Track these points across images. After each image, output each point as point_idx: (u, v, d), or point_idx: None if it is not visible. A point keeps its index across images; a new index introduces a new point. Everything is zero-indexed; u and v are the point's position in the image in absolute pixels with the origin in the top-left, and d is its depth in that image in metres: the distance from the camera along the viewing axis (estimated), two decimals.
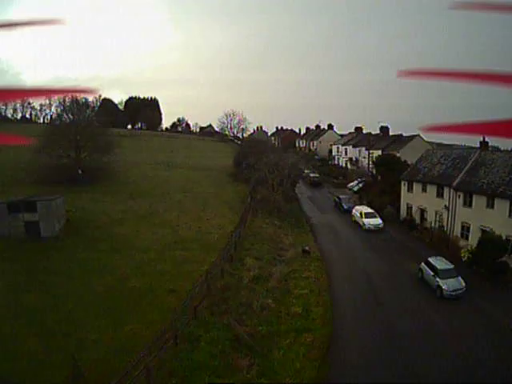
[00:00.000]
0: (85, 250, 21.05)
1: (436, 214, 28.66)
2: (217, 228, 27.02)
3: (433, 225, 28.65)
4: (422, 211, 30.65)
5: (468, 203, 25.18)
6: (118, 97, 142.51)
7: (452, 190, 26.39)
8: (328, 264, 23.28)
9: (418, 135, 46.26)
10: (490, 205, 23.18)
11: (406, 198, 33.17)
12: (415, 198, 31.70)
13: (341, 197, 40.15)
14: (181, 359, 11.86)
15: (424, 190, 30.49)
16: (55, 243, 21.54)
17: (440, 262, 19.39)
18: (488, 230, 22.64)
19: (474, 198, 24.60)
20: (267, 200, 36.41)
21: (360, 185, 47.70)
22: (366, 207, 34.05)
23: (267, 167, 38.48)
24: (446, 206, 26.93)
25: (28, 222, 22.10)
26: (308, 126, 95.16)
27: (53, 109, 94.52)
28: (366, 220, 31.13)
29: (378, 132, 58.60)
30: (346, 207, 37.26)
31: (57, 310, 14.87)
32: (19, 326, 13.69)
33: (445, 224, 27.16)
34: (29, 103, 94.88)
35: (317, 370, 12.85)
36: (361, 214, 32.20)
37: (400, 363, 13.21)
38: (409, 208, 32.53)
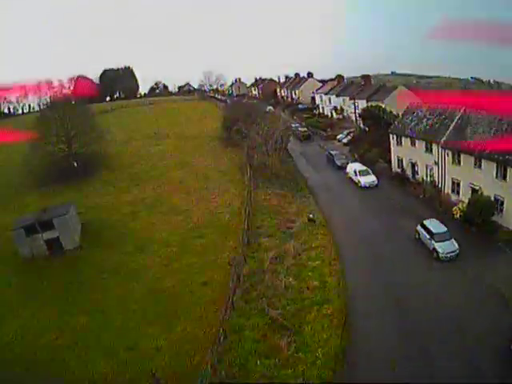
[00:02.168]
0: (110, 255, 21.77)
1: (427, 168, 29.28)
2: (225, 206, 28.11)
3: (425, 179, 29.62)
4: (414, 165, 31.43)
5: (457, 161, 25.64)
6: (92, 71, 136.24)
7: (440, 147, 26.92)
8: (332, 230, 25.02)
9: (401, 86, 46.13)
10: (478, 165, 23.41)
11: (396, 151, 33.72)
12: (405, 152, 32.18)
13: (333, 153, 40.86)
14: (234, 350, 13.99)
15: (413, 144, 30.93)
16: (79, 254, 22.13)
17: (435, 225, 20.82)
18: (477, 188, 23.53)
19: (462, 156, 24.93)
20: (264, 165, 37.22)
21: (349, 136, 48.58)
22: (360, 164, 35.00)
23: (259, 136, 38.69)
24: (435, 161, 27.86)
25: (48, 239, 22.35)
26: (287, 74, 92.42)
27: (30, 98, 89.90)
28: (362, 178, 32.60)
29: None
30: (339, 164, 38.36)
31: (109, 326, 15.88)
32: (81, 350, 14.66)
33: (436, 179, 28.18)
34: (5, 98, 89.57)
35: (340, 337, 15.05)
36: (355, 172, 33.62)
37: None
38: (400, 161, 33.28)
